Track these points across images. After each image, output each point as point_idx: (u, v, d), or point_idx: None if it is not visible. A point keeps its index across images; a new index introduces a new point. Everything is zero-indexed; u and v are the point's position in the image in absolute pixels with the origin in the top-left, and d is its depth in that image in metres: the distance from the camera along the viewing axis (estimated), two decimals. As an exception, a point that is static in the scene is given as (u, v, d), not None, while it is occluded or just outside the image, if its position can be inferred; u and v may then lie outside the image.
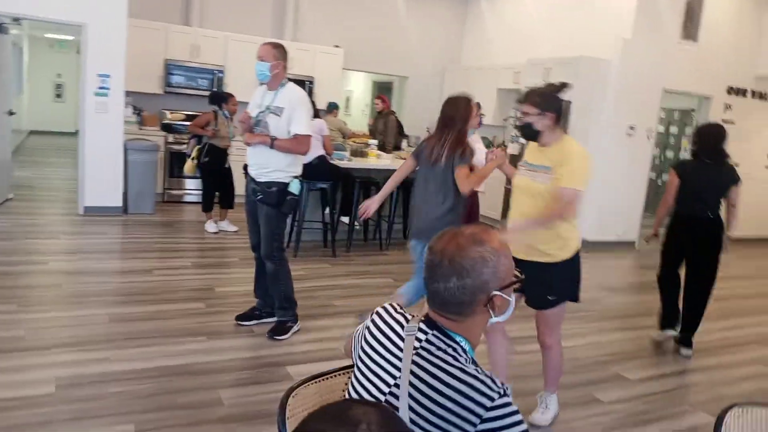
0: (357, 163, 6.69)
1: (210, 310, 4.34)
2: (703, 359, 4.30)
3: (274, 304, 4.05)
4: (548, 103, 2.84)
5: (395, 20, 9.95)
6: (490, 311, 1.33)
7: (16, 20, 6.93)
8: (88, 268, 5.08)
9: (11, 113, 7.53)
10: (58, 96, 15.36)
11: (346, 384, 1.44)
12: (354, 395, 1.39)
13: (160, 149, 7.73)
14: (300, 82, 8.74)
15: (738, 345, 4.69)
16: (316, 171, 5.95)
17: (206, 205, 6.72)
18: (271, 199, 3.79)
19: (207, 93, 8.27)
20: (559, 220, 2.82)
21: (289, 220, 6.16)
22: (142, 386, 3.15)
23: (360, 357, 1.41)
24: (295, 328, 4.04)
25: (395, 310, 1.44)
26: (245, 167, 4.00)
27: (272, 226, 3.87)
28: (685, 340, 4.33)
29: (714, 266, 4.19)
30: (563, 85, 2.90)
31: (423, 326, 1.35)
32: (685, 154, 9.00)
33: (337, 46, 9.23)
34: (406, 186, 6.71)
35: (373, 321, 1.44)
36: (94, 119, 6.65)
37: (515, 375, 3.71)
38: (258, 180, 3.83)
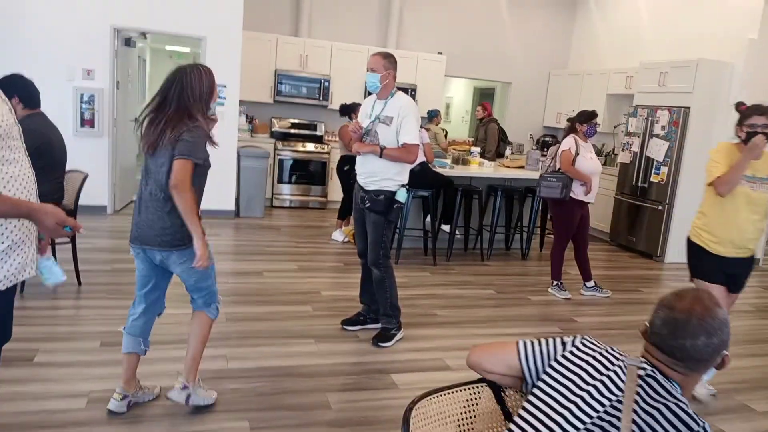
0: (459, 170, 6.65)
1: (317, 313, 4.47)
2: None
3: (379, 311, 4.11)
4: None
5: (499, 26, 9.83)
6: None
7: (143, 35, 7.45)
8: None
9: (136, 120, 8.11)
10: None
11: (521, 409, 1.48)
12: (533, 420, 1.44)
13: (270, 156, 8.07)
14: (402, 90, 8.94)
15: None
16: (418, 178, 5.97)
17: (343, 212, 6.88)
18: (379, 206, 3.85)
19: (312, 101, 8.57)
20: None
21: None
22: (255, 385, 3.29)
23: (552, 384, 1.47)
24: (399, 335, 4.08)
25: (597, 343, 1.54)
26: (354, 176, 4.09)
27: (379, 233, 3.93)
28: None
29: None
30: None
31: (643, 363, 1.44)
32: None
33: (439, 53, 9.25)
34: (509, 195, 6.63)
35: (572, 352, 1.51)
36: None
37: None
38: (366, 188, 3.91)
